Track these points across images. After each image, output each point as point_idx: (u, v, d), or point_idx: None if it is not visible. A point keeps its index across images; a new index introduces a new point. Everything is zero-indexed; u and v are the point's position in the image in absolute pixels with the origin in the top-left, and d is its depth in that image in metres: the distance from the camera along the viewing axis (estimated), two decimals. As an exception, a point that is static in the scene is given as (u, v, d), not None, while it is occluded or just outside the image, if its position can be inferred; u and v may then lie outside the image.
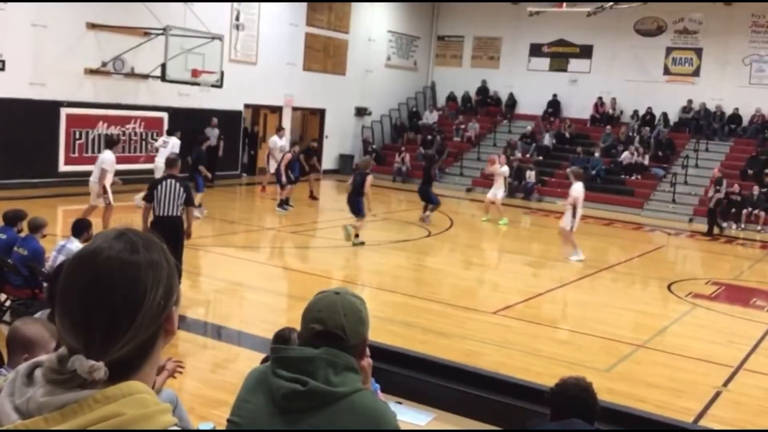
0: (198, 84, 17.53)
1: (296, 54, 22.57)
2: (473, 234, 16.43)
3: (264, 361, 2.25)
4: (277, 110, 22.57)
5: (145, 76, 17.60)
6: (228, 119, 20.18)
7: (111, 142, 12.66)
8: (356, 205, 12.96)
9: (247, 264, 11.44)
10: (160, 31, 16.54)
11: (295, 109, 23.15)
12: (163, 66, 16.41)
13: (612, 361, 7.78)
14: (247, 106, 21.35)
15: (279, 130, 18.71)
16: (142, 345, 1.18)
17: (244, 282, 10.43)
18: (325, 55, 23.64)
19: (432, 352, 7.18)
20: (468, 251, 14.31)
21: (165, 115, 18.70)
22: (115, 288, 1.16)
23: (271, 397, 2.01)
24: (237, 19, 20.44)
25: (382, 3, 25.34)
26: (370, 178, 12.96)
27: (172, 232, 8.13)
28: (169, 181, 8.54)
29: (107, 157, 11.80)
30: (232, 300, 9.69)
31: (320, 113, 24.16)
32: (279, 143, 17.90)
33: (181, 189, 8.47)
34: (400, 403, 5.91)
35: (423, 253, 13.47)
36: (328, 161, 24.42)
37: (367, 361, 2.16)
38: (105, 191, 11.70)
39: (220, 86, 17.88)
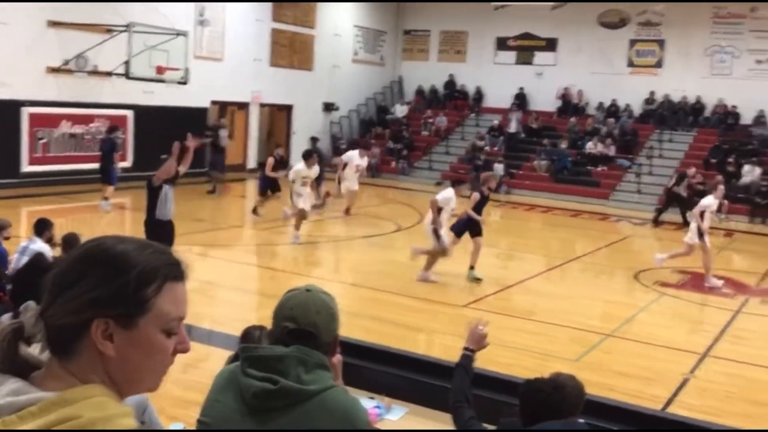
0: (163, 81, 17.32)
1: (262, 50, 22.42)
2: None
3: (231, 359, 2.23)
4: (245, 107, 22.42)
5: (109, 74, 17.35)
6: (194, 116, 19.99)
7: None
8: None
9: (217, 262, 11.35)
10: (123, 28, 16.32)
11: (262, 105, 23.02)
12: (127, 63, 16.20)
13: (581, 351, 7.87)
14: (213, 102, 21.17)
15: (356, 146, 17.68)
16: (64, 330, 1.18)
17: (214, 281, 10.34)
18: (291, 51, 23.52)
19: (404, 346, 7.20)
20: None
21: (130, 113, 18.47)
22: (72, 261, 1.21)
23: (242, 396, 2.00)
24: (201, 15, 20.25)
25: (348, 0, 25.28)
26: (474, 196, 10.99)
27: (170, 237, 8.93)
28: None
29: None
30: (202, 299, 9.59)
31: (287, 109, 24.04)
32: (356, 161, 16.32)
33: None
34: (372, 398, 5.92)
35: (393, 247, 13.48)
36: (296, 158, 24.29)
37: (338, 358, 2.16)
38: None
39: (186, 83, 17.69)
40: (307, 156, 13.37)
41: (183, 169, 9.42)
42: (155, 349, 1.21)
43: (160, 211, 8.55)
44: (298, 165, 13.10)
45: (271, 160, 15.50)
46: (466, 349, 3.71)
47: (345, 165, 16.20)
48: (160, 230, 8.45)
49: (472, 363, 3.69)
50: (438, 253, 10.51)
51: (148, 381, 1.24)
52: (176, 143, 9.42)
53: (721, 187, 12.05)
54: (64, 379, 1.16)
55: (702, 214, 11.32)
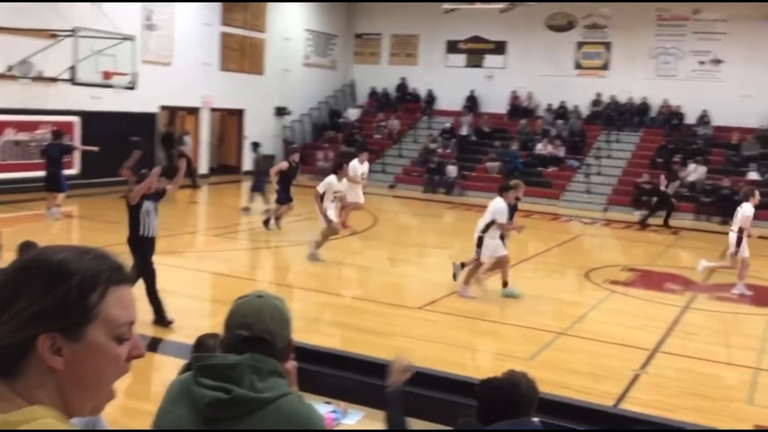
0: (110, 86, 17.04)
1: (212, 54, 22.21)
2: (397, 231, 16.54)
3: (184, 369, 2.20)
4: (195, 112, 22.18)
5: (54, 80, 17.00)
6: (143, 122, 19.71)
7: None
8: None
9: (168, 269, 11.14)
10: (69, 33, 16.00)
11: (213, 110, 22.79)
12: (73, 69, 15.90)
13: (534, 350, 7.97)
14: (163, 108, 20.88)
15: (361, 152, 15.70)
16: (9, 350, 1.13)
17: (165, 288, 10.17)
18: (241, 55, 23.35)
19: (360, 350, 7.20)
20: (392, 248, 14.40)
21: (76, 119, 18.12)
22: (10, 276, 1.16)
23: (195, 406, 1.97)
24: (149, 19, 19.97)
25: (298, 2, 25.19)
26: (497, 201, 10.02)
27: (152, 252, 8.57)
28: None
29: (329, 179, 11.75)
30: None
31: (239, 114, 23.85)
32: (360, 169, 14.87)
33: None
34: (329, 403, 5.90)
35: (348, 251, 13.48)
36: (248, 162, 24.11)
37: (292, 364, 2.14)
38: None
39: (134, 88, 17.43)
40: (338, 167, 12.14)
41: (172, 188, 9.17)
42: (108, 358, 1.17)
43: (143, 228, 8.24)
44: (329, 177, 11.96)
45: (283, 165, 14.20)
46: (388, 387, 3.60)
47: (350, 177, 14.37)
48: (144, 247, 8.22)
49: (399, 397, 3.61)
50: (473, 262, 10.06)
51: (103, 393, 1.20)
52: (156, 168, 8.91)
53: (757, 193, 11.38)
54: (10, 400, 1.12)
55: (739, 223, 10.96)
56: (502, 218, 9.90)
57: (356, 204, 14.52)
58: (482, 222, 10.03)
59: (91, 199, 17.00)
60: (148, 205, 8.23)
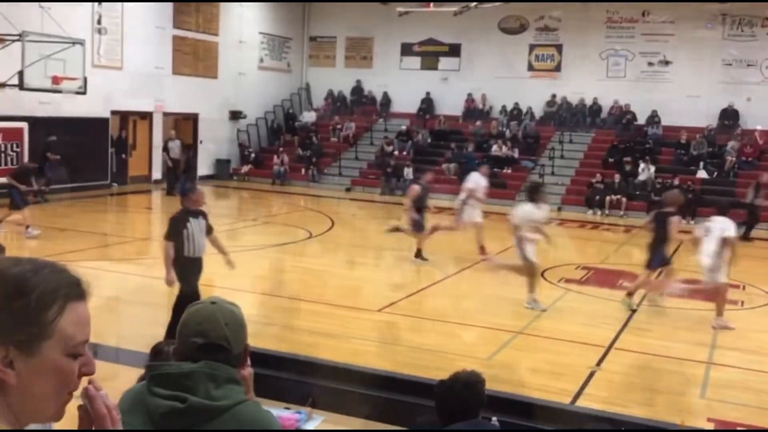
0: (60, 91, 16.70)
1: (164, 57, 21.93)
2: (354, 234, 16.53)
3: (141, 378, 2.17)
4: (147, 116, 21.87)
5: (2, 85, 16.59)
6: (94, 127, 19.37)
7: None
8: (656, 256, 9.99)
9: (122, 277, 11.01)
10: (16, 37, 15.65)
11: (166, 114, 22.49)
12: (21, 73, 15.54)
13: (493, 350, 8.03)
14: (114, 112, 20.54)
15: (481, 165, 13.58)
16: None
17: (120, 296, 10.03)
18: (194, 58, 23.10)
19: (319, 354, 7.18)
20: (350, 251, 14.39)
21: (25, 125, 17.73)
22: None
23: (150, 417, 1.93)
24: (99, 22, 19.64)
25: (252, 3, 25.04)
26: (675, 220, 9.75)
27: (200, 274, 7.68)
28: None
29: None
30: (108, 316, 9.28)
31: (193, 118, 23.59)
32: (482, 182, 13.43)
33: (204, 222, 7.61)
34: (288, 408, 5.87)
35: (305, 254, 13.43)
36: (203, 167, 23.89)
37: (248, 371, 2.12)
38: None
39: (84, 93, 17.11)
40: (534, 192, 10.28)
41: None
42: (61, 374, 1.16)
43: (187, 248, 7.51)
44: (524, 206, 10.22)
45: (415, 190, 12.63)
46: None
47: (470, 192, 13.42)
48: (189, 268, 7.52)
49: None
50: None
51: (53, 408, 1.18)
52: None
53: None
54: None
55: None
56: (735, 237, 9.46)
57: (475, 223, 13.26)
58: (713, 245, 9.22)
59: (40, 206, 16.64)
60: (194, 224, 7.44)
